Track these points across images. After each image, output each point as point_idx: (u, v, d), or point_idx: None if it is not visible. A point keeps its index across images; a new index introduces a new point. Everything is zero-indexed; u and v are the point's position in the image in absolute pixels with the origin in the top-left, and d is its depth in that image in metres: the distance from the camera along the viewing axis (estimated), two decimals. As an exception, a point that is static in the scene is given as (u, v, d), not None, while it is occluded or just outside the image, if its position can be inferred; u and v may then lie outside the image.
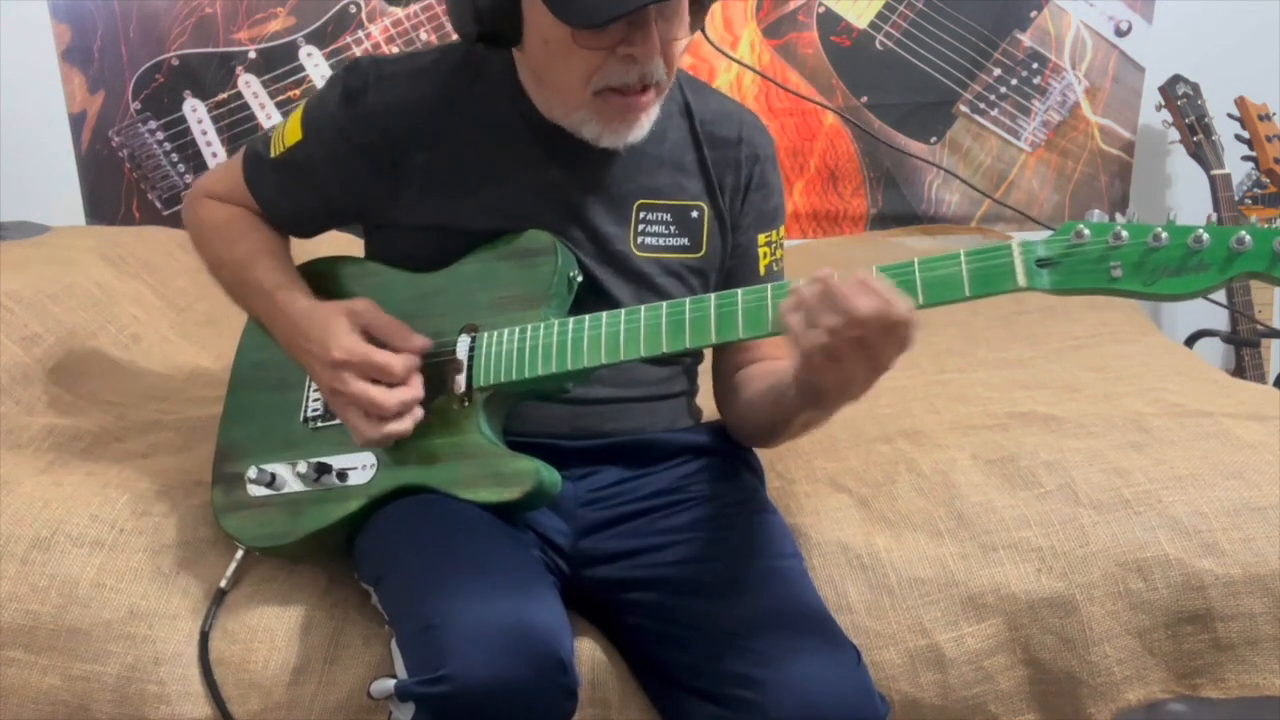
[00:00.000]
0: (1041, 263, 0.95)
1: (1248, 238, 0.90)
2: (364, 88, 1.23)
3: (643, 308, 1.11)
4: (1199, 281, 0.91)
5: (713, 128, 1.28)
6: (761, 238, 1.31)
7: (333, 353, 1.15)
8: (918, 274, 0.99)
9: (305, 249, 1.38)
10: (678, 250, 1.26)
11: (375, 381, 1.15)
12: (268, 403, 1.30)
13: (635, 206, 1.25)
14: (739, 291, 1.06)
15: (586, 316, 1.14)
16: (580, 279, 1.22)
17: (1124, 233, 0.93)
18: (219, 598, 1.21)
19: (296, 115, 1.28)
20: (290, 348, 1.24)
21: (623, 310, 1.12)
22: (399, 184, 1.24)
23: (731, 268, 1.30)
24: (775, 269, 1.32)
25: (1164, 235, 0.92)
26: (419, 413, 1.17)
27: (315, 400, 1.27)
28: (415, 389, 1.16)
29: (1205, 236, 0.91)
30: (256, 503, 1.24)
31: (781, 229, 1.34)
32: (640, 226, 1.25)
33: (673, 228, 1.26)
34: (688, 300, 1.09)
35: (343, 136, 1.24)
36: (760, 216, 1.30)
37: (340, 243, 1.41)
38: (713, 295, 1.08)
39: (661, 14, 1.10)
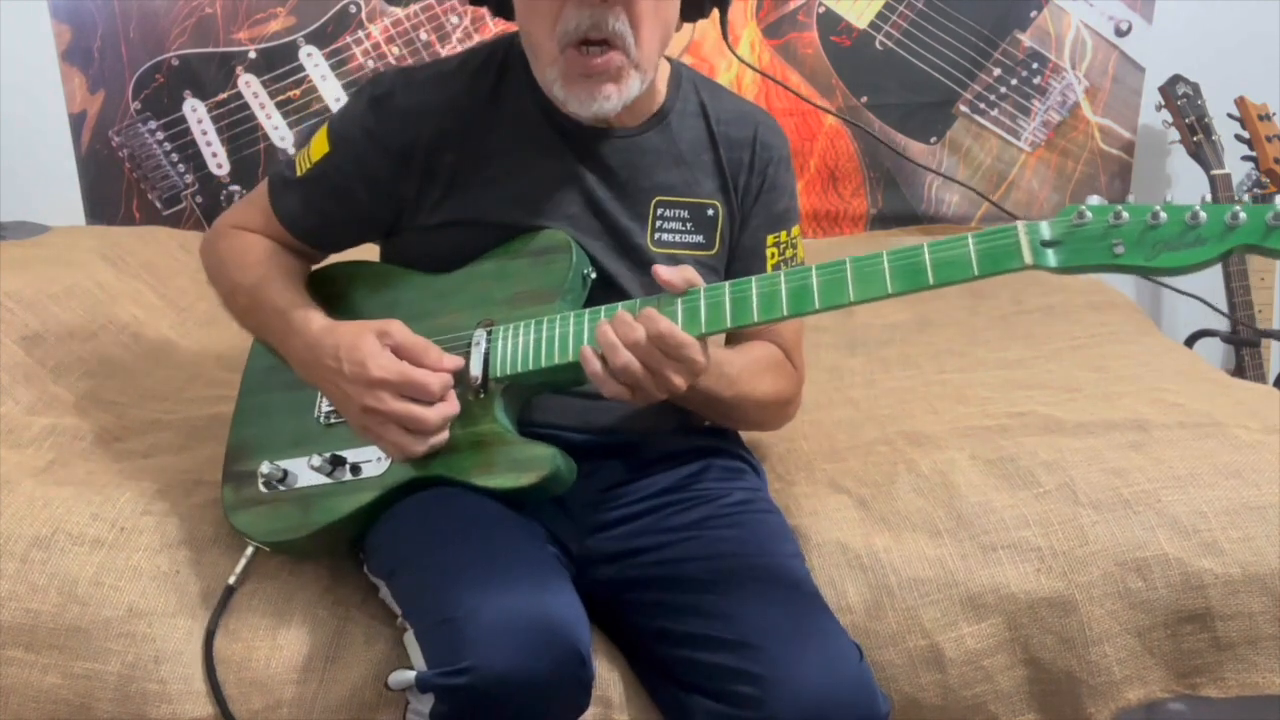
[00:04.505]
0: (1046, 243, 0.98)
1: (1242, 214, 0.94)
2: (391, 93, 1.25)
3: (656, 297, 1.12)
4: (1197, 255, 0.95)
5: (727, 128, 1.30)
6: (770, 239, 1.32)
7: (372, 372, 1.15)
8: (927, 255, 1.02)
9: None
10: (693, 247, 1.28)
11: (412, 400, 1.15)
12: (280, 402, 1.30)
13: (653, 203, 1.26)
14: (753, 278, 1.09)
15: (602, 307, 1.15)
16: (594, 276, 1.23)
17: (1125, 213, 0.96)
18: (226, 595, 1.20)
19: (321, 132, 1.30)
20: (307, 365, 1.23)
21: (636, 300, 1.14)
22: (427, 183, 1.25)
23: (737, 268, 1.31)
24: (784, 269, 1.33)
25: (1163, 214, 0.96)
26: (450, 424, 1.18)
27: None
28: (453, 404, 1.16)
29: (1202, 214, 0.95)
30: (268, 499, 1.24)
31: (794, 229, 1.35)
32: (658, 223, 1.27)
33: (689, 224, 1.28)
34: (702, 289, 1.10)
35: (373, 142, 1.25)
36: (770, 218, 1.32)
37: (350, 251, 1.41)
38: (727, 283, 1.10)
39: None
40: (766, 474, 1.39)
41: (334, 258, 1.38)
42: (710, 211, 1.28)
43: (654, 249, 1.26)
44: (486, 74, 1.27)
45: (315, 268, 1.36)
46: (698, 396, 1.18)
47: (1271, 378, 2.37)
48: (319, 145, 1.29)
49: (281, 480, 1.23)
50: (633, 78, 1.18)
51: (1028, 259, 0.98)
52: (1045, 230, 0.98)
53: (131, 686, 1.16)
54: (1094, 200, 0.98)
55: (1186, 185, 2.45)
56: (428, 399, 1.15)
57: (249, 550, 1.23)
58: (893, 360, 1.85)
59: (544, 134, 1.25)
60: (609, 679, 1.17)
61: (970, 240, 1.01)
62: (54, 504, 1.27)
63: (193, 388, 1.73)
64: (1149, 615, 1.21)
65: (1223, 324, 2.36)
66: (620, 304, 1.14)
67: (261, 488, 1.25)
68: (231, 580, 1.21)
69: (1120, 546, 1.23)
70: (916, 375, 1.77)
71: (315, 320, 1.23)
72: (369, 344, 1.16)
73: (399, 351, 1.17)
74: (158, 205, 2.42)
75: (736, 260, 1.31)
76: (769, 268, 1.31)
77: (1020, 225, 0.99)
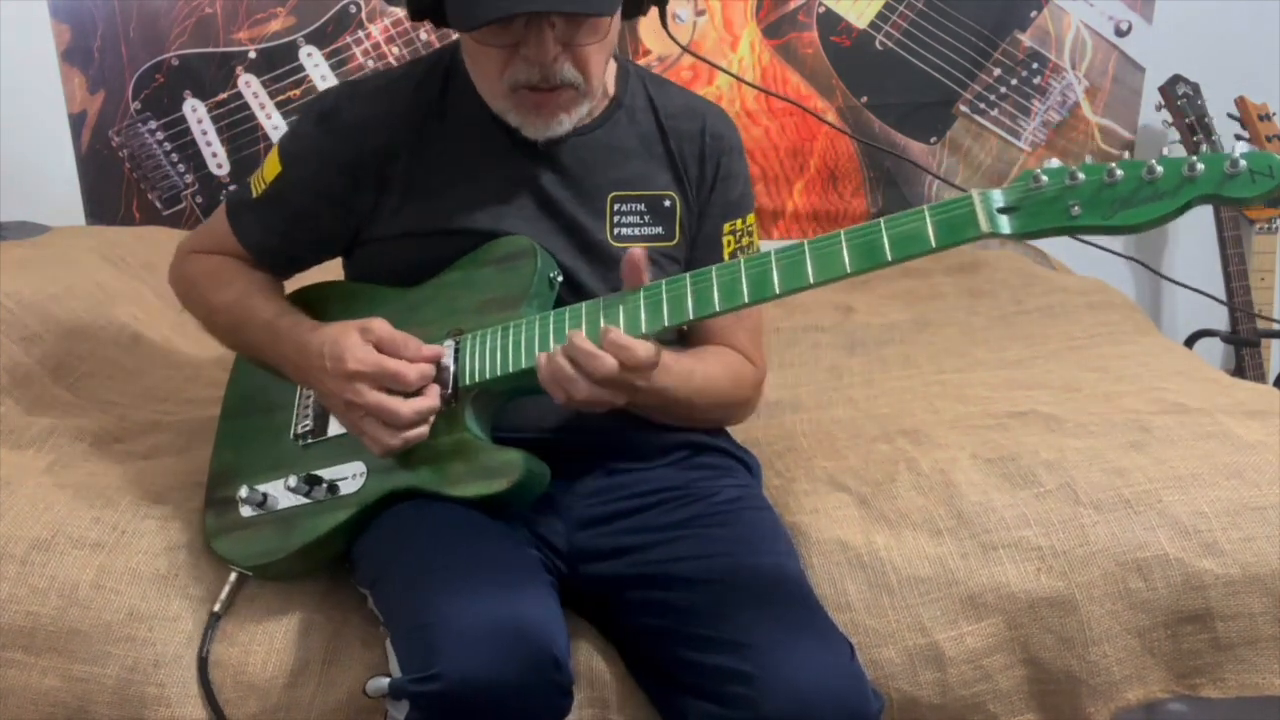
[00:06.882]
0: (1002, 210, 0.97)
1: (1200, 165, 0.91)
2: (338, 108, 1.27)
3: (618, 295, 1.13)
4: (1156, 210, 0.92)
5: (676, 121, 1.32)
6: (726, 226, 1.33)
7: (348, 364, 1.15)
8: (884, 232, 1.01)
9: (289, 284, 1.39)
10: (653, 239, 1.29)
11: (390, 392, 1.16)
12: (257, 426, 1.31)
13: (610, 199, 1.28)
14: (712, 268, 1.09)
15: (566, 309, 1.15)
16: (560, 279, 1.23)
17: (1080, 174, 0.94)
18: (213, 622, 1.19)
19: (273, 153, 1.31)
20: (298, 369, 1.24)
21: (600, 299, 1.14)
22: (382, 195, 1.26)
23: (696, 257, 1.31)
24: (742, 256, 1.34)
25: (1119, 172, 0.93)
26: (430, 419, 1.17)
27: (305, 418, 1.27)
28: (431, 399, 1.16)
29: (1159, 168, 0.92)
30: (248, 523, 1.24)
31: (749, 217, 1.36)
32: (616, 218, 1.28)
33: (647, 217, 1.29)
34: (663, 282, 1.11)
35: (323, 158, 1.26)
36: (727, 206, 1.33)
37: (316, 271, 1.41)
38: (687, 275, 1.10)
39: (563, 18, 1.13)
40: (764, 471, 1.39)
41: (300, 279, 1.39)
42: (667, 203, 1.30)
43: (614, 244, 1.27)
44: (432, 82, 1.28)
45: (288, 293, 1.38)
46: (653, 399, 1.19)
47: (1271, 378, 2.37)
48: (271, 166, 1.30)
49: (261, 504, 1.24)
50: (583, 104, 1.21)
51: (984, 227, 0.97)
52: (1000, 198, 0.97)
53: (130, 690, 1.16)
54: (1053, 163, 0.97)
55: (1186, 185, 2.45)
56: (404, 388, 1.15)
57: (232, 576, 1.22)
58: (892, 360, 1.85)
59: (494, 137, 1.26)
60: (606, 680, 1.17)
61: (926, 213, 0.99)
62: (55, 507, 1.27)
63: (192, 388, 1.73)
64: (1149, 615, 1.21)
65: (1223, 324, 2.36)
66: (583, 304, 1.14)
67: (241, 512, 1.25)
68: (216, 607, 1.20)
69: (1121, 546, 1.23)
70: (916, 375, 1.76)
71: (303, 324, 1.24)
72: (350, 339, 1.17)
73: (380, 346, 1.17)
74: (158, 205, 2.42)
75: (696, 250, 1.32)
76: (725, 255, 1.33)
77: (975, 194, 0.98)
